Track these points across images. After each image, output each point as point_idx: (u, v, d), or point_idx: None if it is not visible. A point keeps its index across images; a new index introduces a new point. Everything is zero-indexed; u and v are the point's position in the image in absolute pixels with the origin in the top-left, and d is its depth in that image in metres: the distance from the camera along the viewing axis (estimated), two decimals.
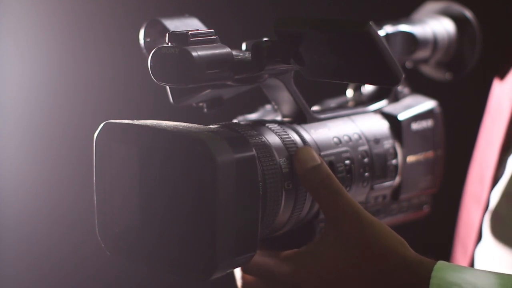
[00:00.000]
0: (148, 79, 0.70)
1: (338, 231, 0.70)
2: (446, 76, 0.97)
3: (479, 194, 0.97)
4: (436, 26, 0.92)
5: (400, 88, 0.89)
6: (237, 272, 0.77)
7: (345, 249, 0.69)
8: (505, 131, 0.95)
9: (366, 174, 0.79)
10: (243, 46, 0.76)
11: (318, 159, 0.72)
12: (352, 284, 0.69)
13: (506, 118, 0.95)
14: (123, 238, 0.72)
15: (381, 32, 0.86)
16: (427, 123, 0.87)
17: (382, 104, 0.86)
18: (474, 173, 1.01)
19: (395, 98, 0.88)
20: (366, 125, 0.81)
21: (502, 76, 0.98)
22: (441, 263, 0.69)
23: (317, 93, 0.87)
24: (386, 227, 0.71)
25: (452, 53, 0.94)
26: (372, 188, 0.80)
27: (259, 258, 0.72)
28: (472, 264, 0.97)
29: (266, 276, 0.72)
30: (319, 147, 0.76)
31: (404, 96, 0.89)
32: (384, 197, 0.83)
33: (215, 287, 0.95)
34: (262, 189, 0.70)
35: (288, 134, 0.75)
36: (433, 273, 0.68)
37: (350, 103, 0.90)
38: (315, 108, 0.87)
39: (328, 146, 0.77)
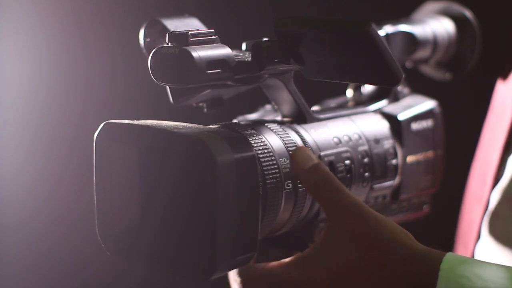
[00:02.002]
0: (148, 79, 0.70)
1: (342, 228, 0.70)
2: (446, 76, 0.97)
3: (480, 194, 0.97)
4: (436, 26, 0.92)
5: (400, 88, 0.89)
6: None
7: (351, 245, 0.69)
8: (508, 131, 0.95)
9: (366, 174, 0.79)
10: (243, 46, 0.76)
11: (316, 159, 0.71)
12: (362, 279, 0.69)
13: (509, 117, 0.95)
14: (123, 238, 0.72)
15: (381, 32, 0.86)
16: (427, 123, 0.87)
17: (382, 104, 0.86)
18: (476, 172, 1.01)
19: (395, 98, 0.88)
20: (366, 125, 0.81)
21: (505, 76, 0.98)
22: (450, 255, 0.68)
23: (317, 93, 0.87)
24: (389, 220, 0.70)
25: (452, 53, 0.94)
26: (372, 188, 0.80)
27: (261, 270, 0.71)
28: None
29: (273, 286, 0.71)
30: (319, 147, 0.76)
31: (404, 96, 0.89)
32: (384, 197, 0.83)
33: (215, 287, 0.95)
34: (262, 189, 0.70)
35: (288, 134, 0.75)
36: (442, 265, 0.67)
37: (350, 103, 0.90)
38: (315, 108, 0.87)
39: (328, 146, 0.77)
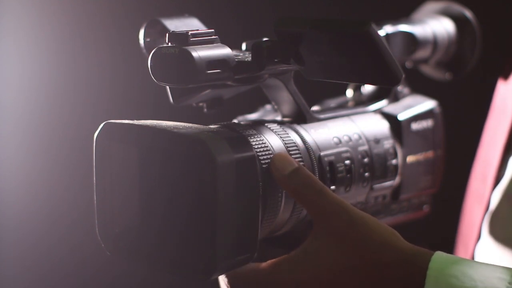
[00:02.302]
0: (148, 79, 0.70)
1: (329, 230, 0.69)
2: (446, 76, 0.97)
3: (481, 193, 0.97)
4: (436, 26, 0.92)
5: (400, 88, 0.89)
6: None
7: (339, 247, 0.69)
8: (508, 131, 0.95)
9: (366, 174, 0.79)
10: (243, 46, 0.76)
11: (295, 163, 0.71)
12: (350, 281, 0.69)
13: (510, 118, 0.95)
14: (123, 238, 0.72)
15: (381, 32, 0.86)
16: (427, 123, 0.87)
17: (382, 104, 0.86)
18: (477, 172, 1.01)
19: (395, 98, 0.88)
20: (366, 125, 0.81)
21: (506, 76, 0.98)
22: (438, 254, 0.68)
23: (317, 93, 0.87)
24: (377, 221, 0.70)
25: (452, 53, 0.94)
26: (372, 188, 0.80)
27: (249, 270, 0.71)
28: None
29: (257, 286, 0.71)
30: (319, 147, 0.76)
31: (404, 96, 0.89)
32: (384, 197, 0.83)
33: (215, 287, 0.95)
34: (262, 189, 0.70)
35: (288, 134, 0.75)
36: (430, 264, 0.67)
37: (350, 103, 0.90)
38: (315, 108, 0.87)
39: (328, 146, 0.77)
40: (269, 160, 0.71)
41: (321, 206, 0.69)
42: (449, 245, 1.05)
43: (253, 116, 0.83)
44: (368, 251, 0.68)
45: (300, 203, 0.71)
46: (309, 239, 0.70)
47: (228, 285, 0.72)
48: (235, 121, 0.79)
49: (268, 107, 0.84)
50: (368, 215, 0.70)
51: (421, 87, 0.93)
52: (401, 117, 0.84)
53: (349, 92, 0.91)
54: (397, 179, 0.83)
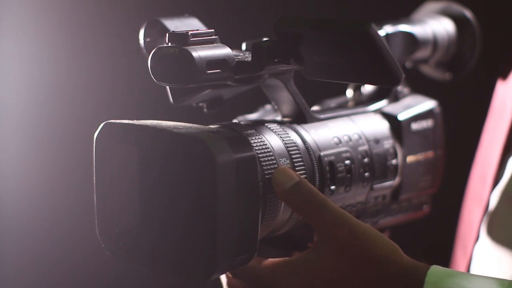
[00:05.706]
0: (148, 79, 0.70)
1: (330, 241, 0.69)
2: (446, 76, 0.97)
3: (480, 194, 0.97)
4: (436, 26, 0.92)
5: (400, 88, 0.89)
6: (223, 276, 0.76)
7: (338, 258, 0.69)
8: (507, 131, 0.95)
9: (366, 174, 0.79)
10: (243, 46, 0.76)
11: (296, 177, 0.70)
12: None
13: (509, 118, 0.95)
14: (123, 238, 0.72)
15: (381, 32, 0.86)
16: (427, 123, 0.87)
17: (382, 104, 0.86)
18: (476, 173, 1.01)
19: (395, 98, 0.88)
20: (366, 125, 0.81)
21: (505, 76, 0.98)
22: (434, 268, 0.69)
23: (317, 93, 0.87)
24: (378, 233, 0.70)
25: (452, 53, 0.94)
26: (372, 188, 0.80)
27: (248, 266, 0.71)
28: (470, 264, 0.97)
29: (255, 282, 0.71)
30: (319, 147, 0.76)
31: (404, 96, 0.89)
32: (384, 197, 0.83)
33: (215, 287, 0.95)
34: (262, 189, 0.70)
35: (288, 134, 0.75)
36: (427, 278, 0.68)
37: (350, 103, 0.90)
38: (315, 108, 0.87)
39: (328, 146, 0.77)
40: (269, 160, 0.71)
41: (322, 218, 0.70)
42: (448, 246, 1.05)
43: (253, 116, 0.83)
44: (367, 263, 0.69)
45: (302, 216, 0.72)
46: (311, 248, 0.71)
47: (227, 280, 0.73)
48: (235, 121, 0.79)
49: (268, 107, 0.84)
50: (370, 227, 0.70)
51: (421, 87, 0.93)
52: (401, 117, 0.84)
53: (349, 92, 0.91)
54: (397, 179, 0.83)
